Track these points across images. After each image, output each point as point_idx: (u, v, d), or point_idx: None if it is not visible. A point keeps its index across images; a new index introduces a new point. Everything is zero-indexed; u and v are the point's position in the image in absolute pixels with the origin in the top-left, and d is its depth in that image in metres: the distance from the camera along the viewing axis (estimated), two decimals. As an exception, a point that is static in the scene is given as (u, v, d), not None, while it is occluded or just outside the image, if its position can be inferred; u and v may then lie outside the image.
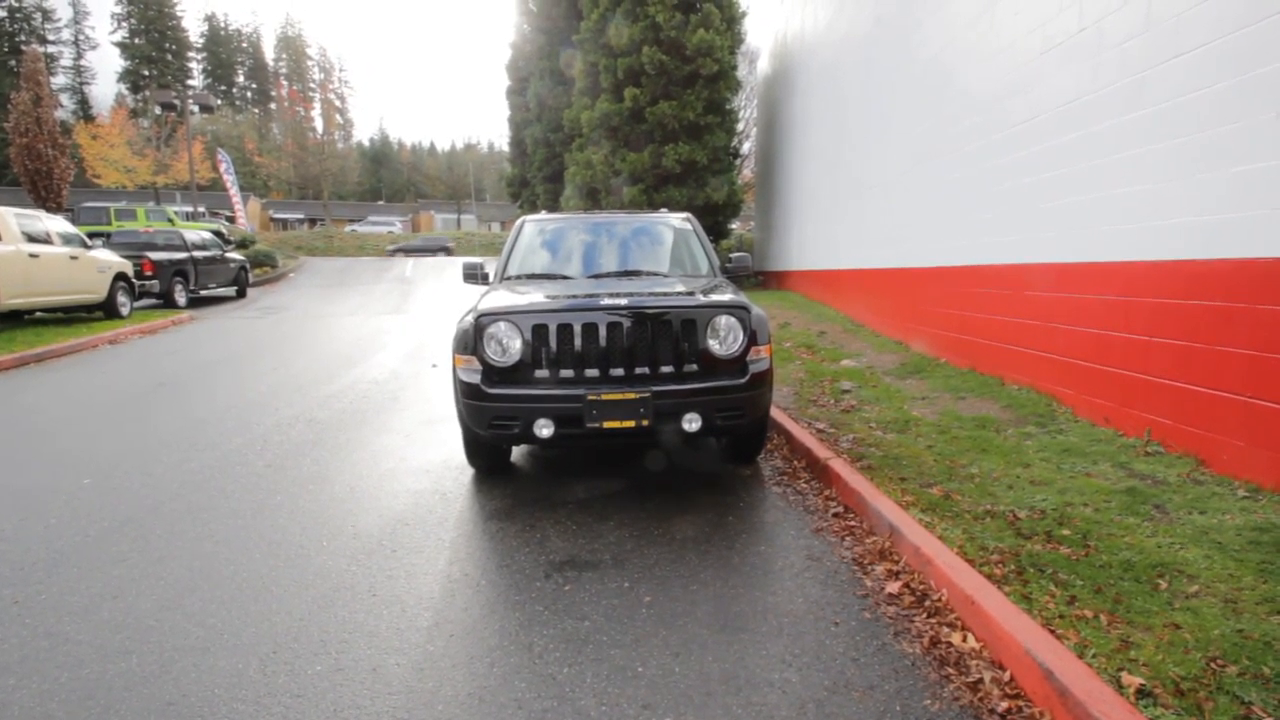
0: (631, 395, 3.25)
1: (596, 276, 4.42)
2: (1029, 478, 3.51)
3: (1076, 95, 4.51)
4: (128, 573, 2.82)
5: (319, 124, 55.32)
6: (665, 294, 3.63)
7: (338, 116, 58.50)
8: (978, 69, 5.84)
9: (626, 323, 3.36)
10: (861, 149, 8.96)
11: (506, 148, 24.39)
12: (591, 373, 3.36)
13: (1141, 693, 1.79)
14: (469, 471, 4.07)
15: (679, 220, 5.05)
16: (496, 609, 2.48)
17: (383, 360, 8.55)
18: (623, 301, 3.42)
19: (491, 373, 3.40)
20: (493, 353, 3.41)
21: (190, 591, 2.65)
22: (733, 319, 3.50)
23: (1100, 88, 4.24)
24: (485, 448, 3.86)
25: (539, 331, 3.38)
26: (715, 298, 3.58)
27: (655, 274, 4.50)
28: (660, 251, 4.77)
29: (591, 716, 1.89)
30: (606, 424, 3.25)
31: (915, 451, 4.04)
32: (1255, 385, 3.14)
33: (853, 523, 3.14)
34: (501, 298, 3.73)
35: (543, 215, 5.13)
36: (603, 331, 3.36)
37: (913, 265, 7.17)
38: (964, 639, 2.16)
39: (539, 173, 19.72)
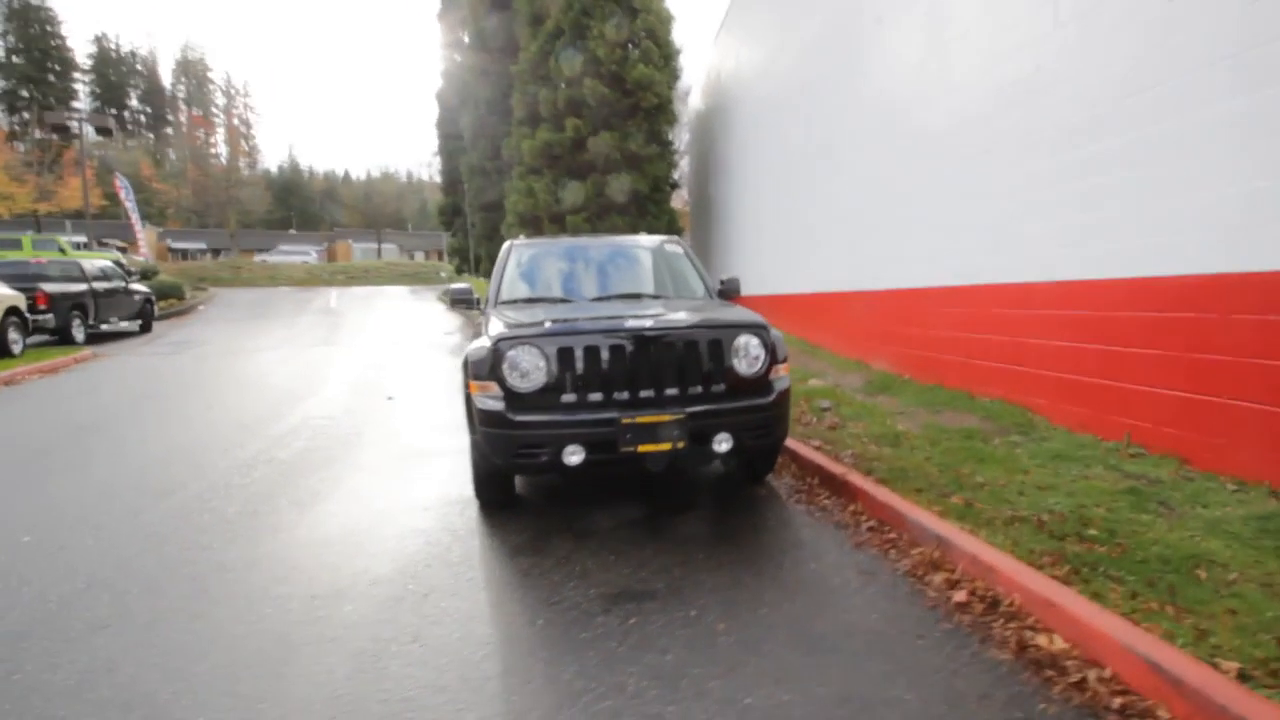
0: (667, 417, 3.17)
1: (598, 300, 4.33)
2: (1034, 483, 3.67)
3: (1028, 130, 4.91)
4: (115, 641, 2.43)
5: (223, 150, 52.35)
6: (687, 315, 3.60)
7: (243, 143, 55.59)
8: (928, 108, 6.26)
9: (654, 344, 3.29)
10: (811, 184, 9.35)
11: (427, 176, 24.06)
12: (621, 396, 3.25)
13: (1242, 676, 1.87)
14: (472, 506, 3.83)
15: (670, 243, 5.05)
16: (566, 649, 2.31)
17: (330, 395, 8.03)
18: (648, 322, 3.35)
19: (514, 399, 3.23)
20: (515, 378, 3.24)
21: (200, 658, 2.31)
22: (754, 338, 3.50)
23: (1049, 124, 4.64)
24: (498, 479, 3.64)
25: (565, 354, 3.25)
26: (735, 317, 3.58)
27: (657, 296, 4.46)
28: (656, 274, 4.75)
29: (716, 755, 1.77)
30: (641, 448, 3.15)
31: (916, 463, 4.15)
32: (1234, 388, 3.44)
33: (891, 535, 3.17)
34: (512, 321, 3.57)
35: (529, 240, 5.00)
36: (631, 353, 3.27)
37: (872, 288, 7.50)
38: (1050, 641, 2.19)
39: (475, 201, 19.39)
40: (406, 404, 7.38)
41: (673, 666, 2.17)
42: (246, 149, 55.02)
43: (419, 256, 52.38)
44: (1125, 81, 4.05)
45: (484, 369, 3.30)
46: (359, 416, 6.64)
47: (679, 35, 16.16)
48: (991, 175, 5.42)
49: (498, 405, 3.21)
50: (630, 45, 15.30)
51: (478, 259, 21.55)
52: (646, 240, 5.07)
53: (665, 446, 3.17)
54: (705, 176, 16.76)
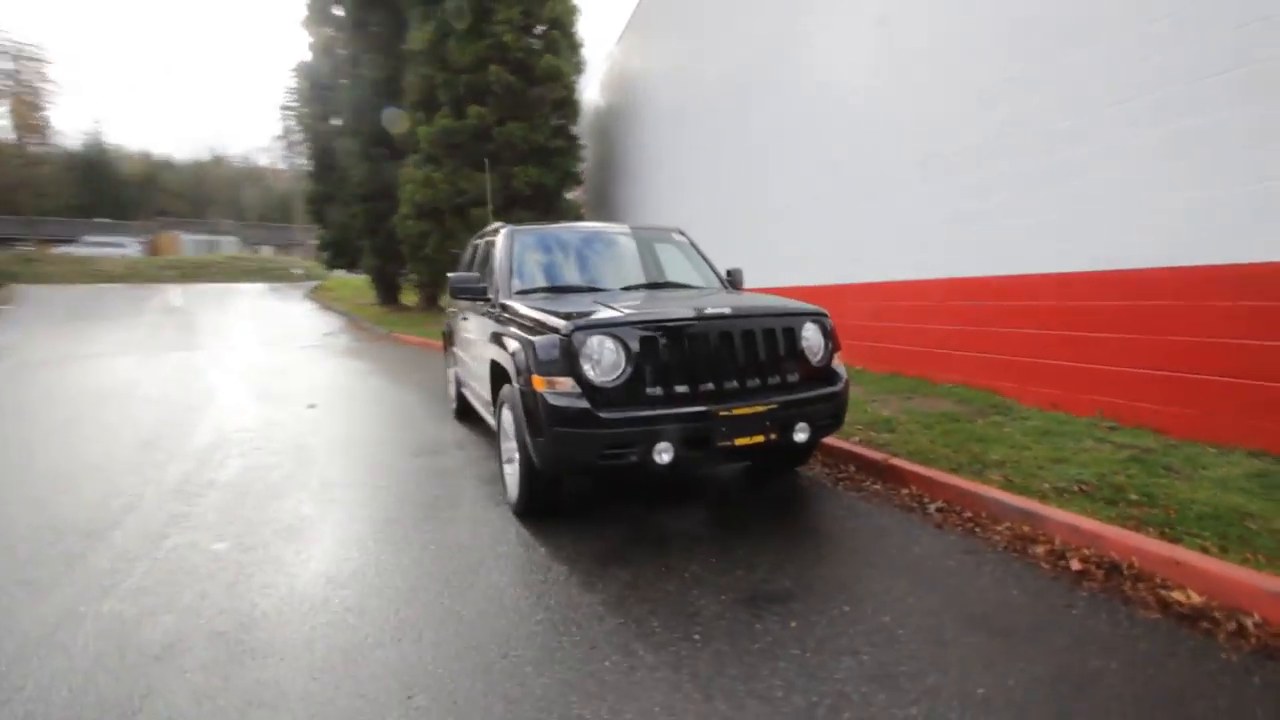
0: (761, 408, 3.04)
1: (629, 289, 4.07)
2: (1045, 458, 3.99)
3: (981, 139, 5.38)
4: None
5: (6, 123, 43.63)
6: (750, 303, 3.48)
7: (34, 115, 46.71)
8: (877, 110, 6.65)
9: (736, 333, 3.15)
10: (750, 181, 9.58)
11: (268, 161, 21.33)
12: (706, 387, 3.08)
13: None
14: (515, 522, 3.44)
15: (675, 233, 4.90)
16: (752, 662, 2.11)
17: (232, 404, 7.00)
18: (726, 310, 3.20)
19: (596, 394, 2.94)
20: (594, 371, 2.95)
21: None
22: (817, 326, 3.48)
23: (1028, 130, 5.11)
24: (551, 486, 3.29)
25: (648, 344, 3.01)
26: (795, 306, 3.53)
27: (686, 285, 4.30)
28: (674, 263, 4.58)
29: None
30: (738, 441, 3.00)
31: (926, 445, 4.35)
32: (1204, 365, 3.96)
33: (967, 515, 3.28)
34: (565, 310, 3.25)
35: (527, 226, 4.60)
36: (714, 342, 3.10)
37: (821, 284, 7.83)
38: (1187, 596, 2.37)
39: (356, 190, 17.73)
40: (332, 411, 6.56)
41: (877, 667, 2.07)
42: (38, 123, 46.29)
43: (266, 250, 47.14)
44: (1106, 91, 4.55)
45: (556, 362, 2.97)
46: (290, 427, 5.79)
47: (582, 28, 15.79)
48: (945, 178, 5.86)
49: (578, 402, 2.90)
50: (534, 31, 14.81)
51: (357, 253, 19.78)
52: (656, 230, 4.87)
53: (759, 439, 3.04)
54: (607, 176, 16.61)
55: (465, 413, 5.92)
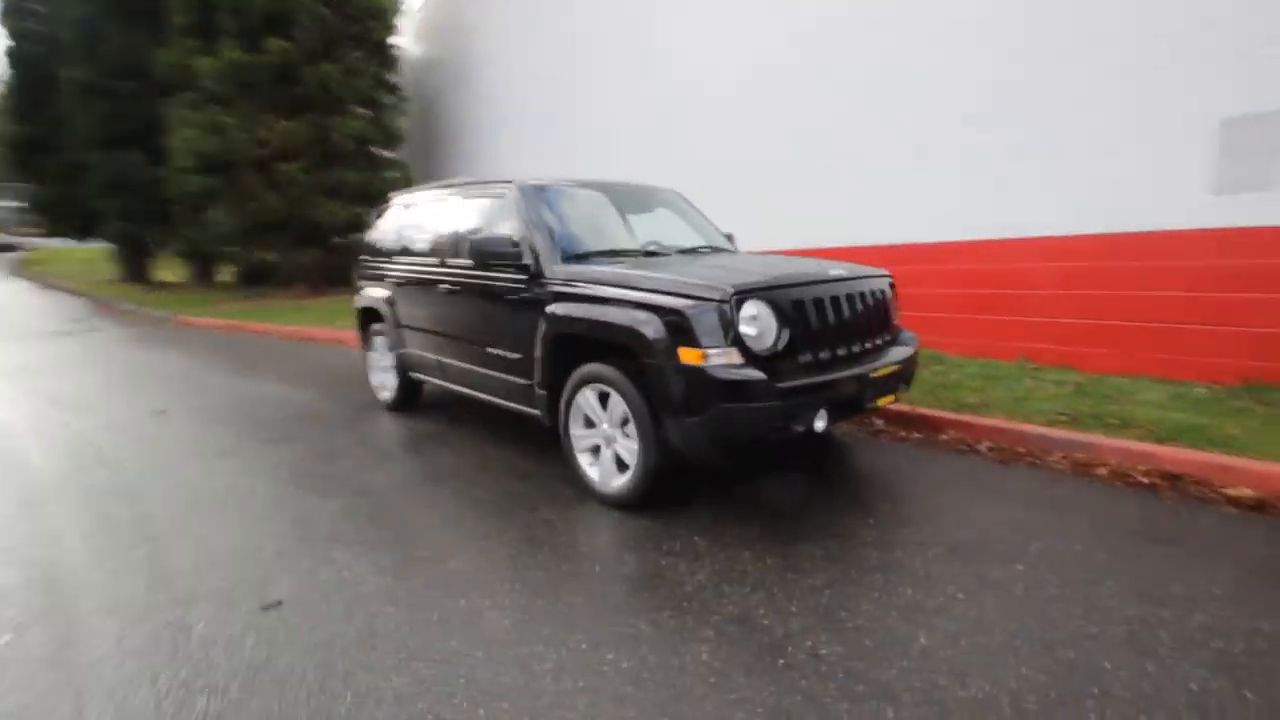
0: (895, 368, 3.09)
1: (653, 254, 3.77)
2: (1008, 396, 4.65)
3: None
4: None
5: None
6: (837, 267, 3.48)
7: None
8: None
9: (855, 294, 3.15)
10: (608, 148, 9.41)
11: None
12: (849, 350, 3.04)
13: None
14: (576, 509, 3.09)
15: (673, 193, 4.65)
16: (1032, 593, 2.18)
17: (32, 411, 5.20)
18: (844, 273, 3.18)
19: (759, 363, 2.73)
20: (755, 338, 2.73)
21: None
22: (891, 286, 3.61)
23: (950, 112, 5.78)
24: (668, 474, 2.98)
25: (798, 308, 2.86)
26: (874, 268, 3.60)
27: (717, 249, 4.12)
28: (691, 226, 4.35)
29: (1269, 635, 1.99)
30: (880, 401, 3.02)
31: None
32: (1108, 313, 4.95)
33: (1019, 450, 3.70)
34: (698, 273, 2.97)
35: (540, 181, 3.99)
36: (844, 304, 3.07)
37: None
38: (1240, 492, 2.99)
39: (95, 135, 13.71)
40: (187, 414, 5.20)
41: (1131, 583, 2.28)
42: None
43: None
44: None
45: (715, 332, 2.68)
46: (147, 429, 4.46)
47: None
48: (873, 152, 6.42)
49: (750, 373, 2.66)
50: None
51: (91, 217, 15.48)
52: (660, 190, 4.56)
53: (892, 398, 3.10)
54: (433, 134, 15.04)
55: (408, 400, 5.08)
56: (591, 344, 3.17)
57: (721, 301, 2.71)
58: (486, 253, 3.48)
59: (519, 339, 3.57)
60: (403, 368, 4.90)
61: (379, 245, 5.25)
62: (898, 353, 3.34)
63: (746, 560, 2.58)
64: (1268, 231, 4.17)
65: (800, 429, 2.77)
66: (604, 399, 3.12)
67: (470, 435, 4.43)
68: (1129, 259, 4.85)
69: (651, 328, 2.78)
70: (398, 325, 4.83)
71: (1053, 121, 5.18)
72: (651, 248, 3.78)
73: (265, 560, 2.68)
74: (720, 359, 2.68)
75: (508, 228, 3.71)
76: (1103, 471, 3.38)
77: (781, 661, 1.96)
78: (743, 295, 2.73)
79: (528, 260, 3.50)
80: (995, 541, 2.67)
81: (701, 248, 4.07)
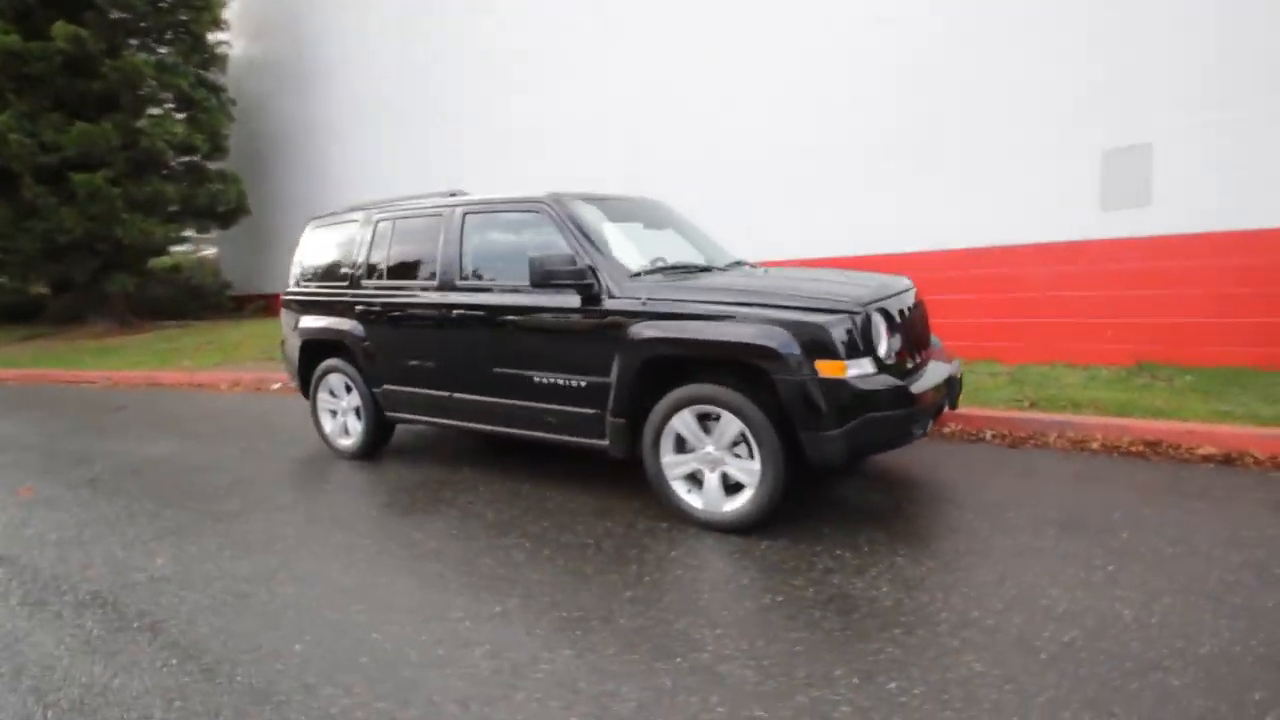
0: (958, 373, 3.35)
1: (706, 270, 3.72)
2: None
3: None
4: None
5: None
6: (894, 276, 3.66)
7: None
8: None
9: (918, 304, 3.38)
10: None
11: None
12: (919, 357, 3.23)
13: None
14: (691, 542, 2.97)
15: (669, 207, 4.58)
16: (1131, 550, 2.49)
17: None
18: (908, 283, 3.40)
19: (889, 372, 2.81)
20: (884, 349, 2.82)
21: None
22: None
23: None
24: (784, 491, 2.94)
25: (896, 319, 3.01)
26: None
27: (740, 263, 4.13)
28: (706, 239, 4.30)
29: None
30: (949, 409, 3.25)
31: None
32: (1025, 312, 5.81)
33: (1019, 435, 4.19)
34: (809, 286, 2.99)
35: (577, 194, 3.69)
36: (915, 314, 3.27)
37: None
38: (1208, 450, 3.67)
39: None
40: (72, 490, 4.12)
41: (1178, 534, 2.70)
42: None
43: None
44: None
45: (853, 343, 2.71)
46: (60, 532, 3.45)
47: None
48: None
49: (889, 381, 2.75)
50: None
51: None
52: (659, 201, 4.44)
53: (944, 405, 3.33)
54: (262, 144, 13.24)
55: (377, 446, 4.43)
56: (690, 365, 3.03)
57: (855, 313, 2.75)
58: (550, 272, 3.16)
59: (583, 364, 3.29)
60: (379, 408, 4.25)
61: (322, 269, 4.55)
62: (941, 359, 3.62)
63: (905, 564, 2.61)
64: (1145, 240, 5.21)
65: (920, 433, 2.90)
66: (702, 421, 2.99)
67: (483, 477, 3.96)
68: (1037, 265, 5.75)
69: (783, 343, 2.72)
70: (371, 360, 4.19)
71: (963, 147, 5.99)
72: (701, 262, 3.71)
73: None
74: (859, 370, 2.71)
75: (548, 246, 3.41)
76: (1095, 445, 3.95)
77: (1043, 655, 2.01)
78: (872, 305, 2.81)
79: (589, 280, 3.24)
80: (1083, 516, 2.99)
81: (740, 263, 4.06)
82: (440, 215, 3.94)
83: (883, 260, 6.44)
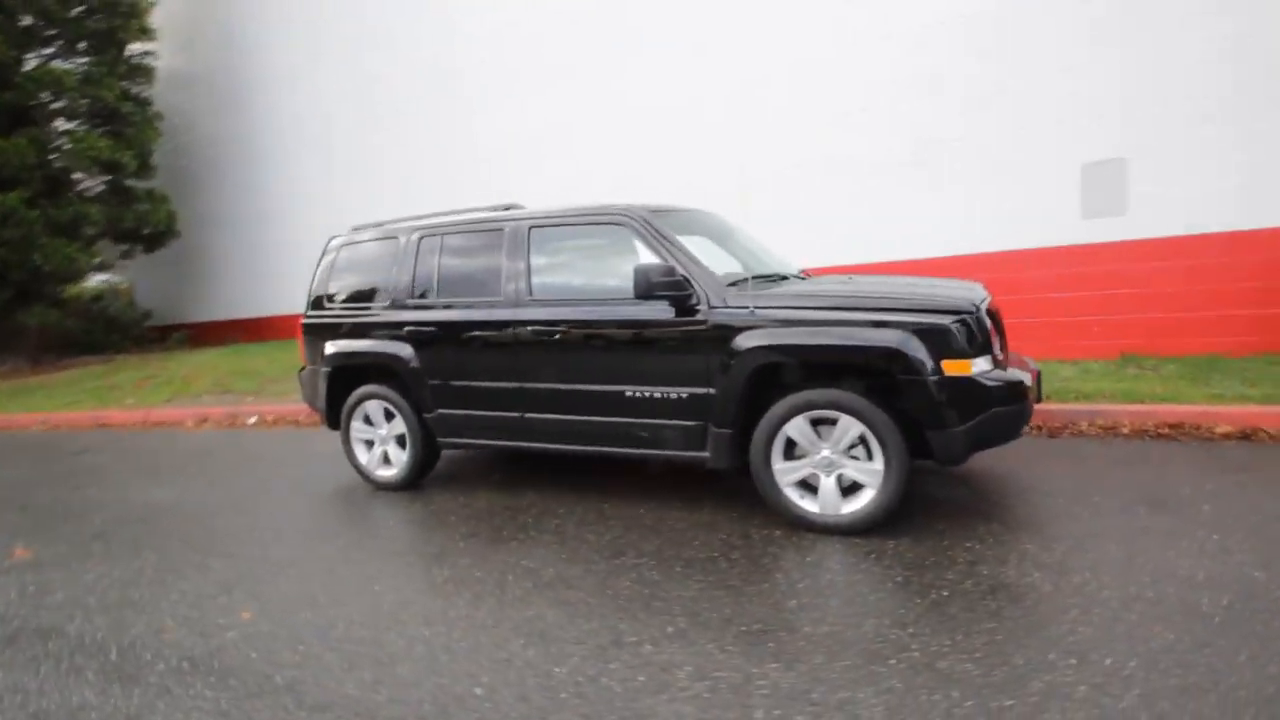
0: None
1: (786, 278, 3.80)
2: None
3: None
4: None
5: None
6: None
7: None
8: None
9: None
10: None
11: None
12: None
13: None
14: (817, 549, 3.01)
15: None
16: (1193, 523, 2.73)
17: None
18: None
19: (1001, 367, 2.96)
20: (996, 347, 2.98)
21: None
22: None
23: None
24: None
25: (994, 317, 3.17)
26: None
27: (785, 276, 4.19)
28: (746, 249, 4.32)
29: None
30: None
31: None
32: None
33: (1054, 425, 4.47)
34: (896, 290, 3.09)
35: (655, 208, 3.65)
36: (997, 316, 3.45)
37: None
38: (1225, 429, 4.05)
39: None
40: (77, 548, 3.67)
41: (1233, 509, 2.98)
42: None
43: None
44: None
45: (975, 342, 2.84)
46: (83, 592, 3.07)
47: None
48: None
49: (1013, 375, 2.92)
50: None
51: None
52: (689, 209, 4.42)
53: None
54: (194, 163, 12.32)
55: (425, 471, 4.19)
56: (803, 370, 3.07)
57: (972, 313, 2.87)
58: (655, 284, 3.11)
59: (682, 376, 3.25)
60: (429, 434, 4.02)
61: (352, 290, 4.31)
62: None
63: (1038, 551, 2.73)
64: (1124, 245, 5.73)
65: (1026, 428, 3.05)
66: (815, 426, 3.03)
67: (555, 499, 3.80)
68: (1028, 270, 6.19)
69: (909, 344, 2.80)
70: (422, 384, 3.96)
71: (959, 163, 6.40)
72: (781, 271, 3.78)
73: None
74: (982, 367, 2.83)
75: (633, 259, 3.36)
76: (1125, 430, 4.29)
77: (1215, 619, 2.15)
78: (981, 307, 2.94)
79: (687, 290, 3.22)
80: (1159, 494, 3.23)
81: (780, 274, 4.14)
82: (501, 230, 3.80)
83: (882, 266, 6.74)
